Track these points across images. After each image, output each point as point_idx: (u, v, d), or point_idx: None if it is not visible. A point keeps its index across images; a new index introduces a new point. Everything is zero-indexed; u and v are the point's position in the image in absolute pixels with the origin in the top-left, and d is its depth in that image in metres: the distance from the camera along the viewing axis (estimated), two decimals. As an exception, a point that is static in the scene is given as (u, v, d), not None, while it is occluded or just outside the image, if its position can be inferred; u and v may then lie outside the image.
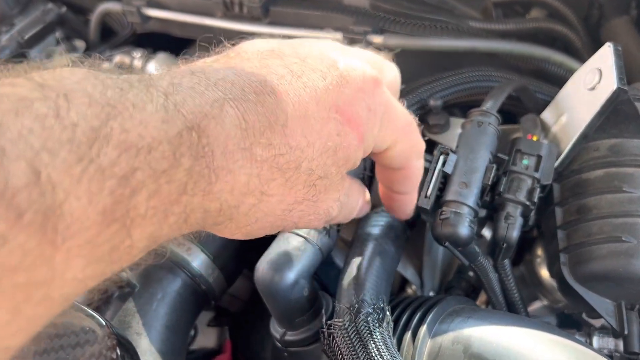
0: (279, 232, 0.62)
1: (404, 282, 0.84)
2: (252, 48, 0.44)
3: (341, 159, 0.42)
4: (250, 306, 0.85)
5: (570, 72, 0.80)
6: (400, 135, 0.48)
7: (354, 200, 0.51)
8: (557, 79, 0.84)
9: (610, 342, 0.70)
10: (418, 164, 0.53)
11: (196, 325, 0.81)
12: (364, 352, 0.49)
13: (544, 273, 0.76)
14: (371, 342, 0.50)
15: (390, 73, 0.51)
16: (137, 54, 0.94)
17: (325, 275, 0.78)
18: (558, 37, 0.94)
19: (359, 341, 0.51)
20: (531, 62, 0.85)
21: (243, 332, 0.81)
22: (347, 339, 0.51)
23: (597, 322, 0.79)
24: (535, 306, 0.79)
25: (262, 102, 0.37)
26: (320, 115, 0.40)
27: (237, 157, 0.35)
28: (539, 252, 0.77)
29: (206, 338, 0.84)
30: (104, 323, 0.48)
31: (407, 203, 0.58)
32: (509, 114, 0.81)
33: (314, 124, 0.40)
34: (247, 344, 0.78)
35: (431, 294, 0.79)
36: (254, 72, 0.39)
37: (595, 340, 0.71)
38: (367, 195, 0.58)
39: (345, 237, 0.77)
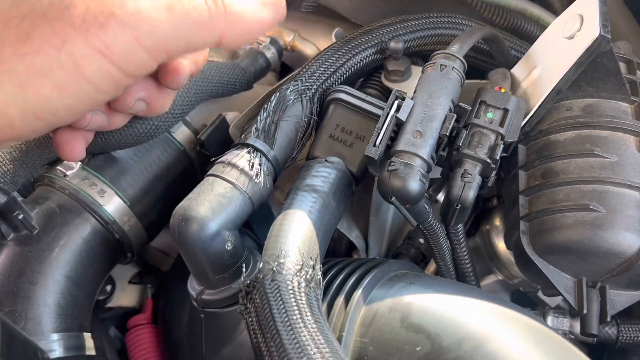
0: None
1: (351, 247, 0.77)
2: None
3: None
4: (181, 264, 0.77)
5: (548, 29, 0.73)
6: None
7: None
8: (533, 40, 0.76)
9: (565, 323, 0.65)
10: None
11: (114, 280, 0.73)
12: (284, 315, 0.42)
13: (501, 245, 0.69)
14: (293, 304, 0.42)
15: None
16: None
17: (263, 234, 0.70)
18: (536, -4, 0.87)
19: (280, 303, 0.43)
20: (506, 16, 0.77)
21: (166, 289, 0.73)
22: (265, 299, 0.43)
23: (552, 302, 0.73)
24: (488, 281, 0.73)
25: None
26: None
27: None
28: (497, 222, 0.71)
29: (126, 296, 0.76)
30: None
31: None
32: (477, 71, 0.74)
33: None
34: (168, 303, 0.69)
35: (377, 260, 0.72)
36: None
37: (550, 321, 0.65)
38: None
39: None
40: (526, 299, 0.76)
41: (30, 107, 0.37)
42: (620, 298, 0.57)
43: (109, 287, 0.72)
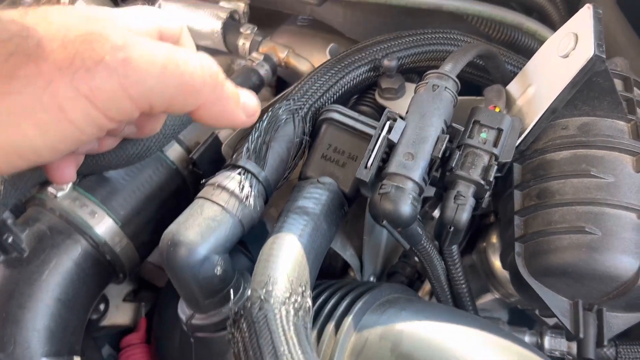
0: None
1: (347, 264, 0.76)
2: None
3: None
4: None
5: (545, 43, 0.72)
6: None
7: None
8: (530, 54, 0.76)
9: (563, 344, 0.64)
10: None
11: (107, 298, 0.72)
12: (270, 347, 0.41)
13: (498, 263, 0.68)
14: (280, 334, 0.41)
15: None
16: (66, -9, 0.82)
17: (257, 252, 0.69)
18: (534, 9, 0.86)
19: (267, 333, 0.42)
20: (502, 30, 0.76)
21: (159, 308, 0.72)
22: (252, 329, 0.42)
23: (551, 320, 0.72)
24: (485, 299, 0.72)
25: None
26: None
27: None
28: (494, 239, 0.70)
29: (120, 314, 0.75)
30: None
31: None
32: (472, 87, 0.73)
33: None
34: (160, 323, 0.69)
35: (372, 279, 0.71)
36: None
37: (547, 341, 0.64)
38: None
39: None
40: (524, 316, 0.75)
41: (12, 147, 0.37)
42: (617, 321, 0.56)
43: (102, 306, 0.71)
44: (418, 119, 0.53)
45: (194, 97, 0.42)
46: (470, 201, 0.52)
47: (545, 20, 0.85)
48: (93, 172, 0.60)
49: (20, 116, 0.36)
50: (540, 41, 0.75)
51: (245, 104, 0.47)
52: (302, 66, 0.74)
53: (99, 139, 0.51)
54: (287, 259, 0.47)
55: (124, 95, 0.38)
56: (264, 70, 0.71)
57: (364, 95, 0.69)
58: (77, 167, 0.53)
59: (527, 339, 0.65)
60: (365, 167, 0.51)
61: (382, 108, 0.67)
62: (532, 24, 0.72)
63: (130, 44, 0.39)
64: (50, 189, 0.59)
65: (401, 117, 0.53)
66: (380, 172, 0.52)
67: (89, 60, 0.37)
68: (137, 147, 0.58)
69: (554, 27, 0.83)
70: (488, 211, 0.73)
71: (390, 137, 0.52)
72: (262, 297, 0.44)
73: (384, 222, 0.50)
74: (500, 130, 0.54)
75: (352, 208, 0.61)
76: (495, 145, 0.54)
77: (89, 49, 0.37)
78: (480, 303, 0.70)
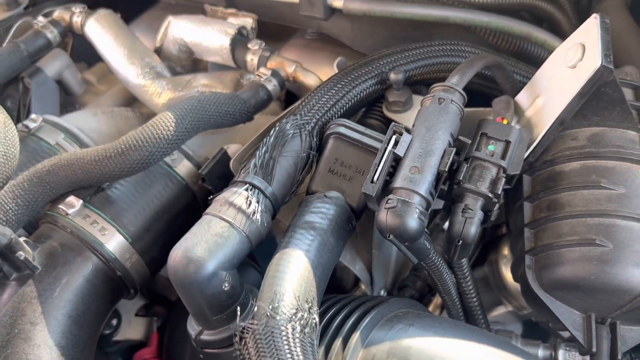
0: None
1: (357, 279, 0.75)
2: None
3: None
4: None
5: (554, 53, 0.71)
6: None
7: None
8: (540, 63, 0.75)
9: (577, 358, 0.63)
10: None
11: (120, 314, 0.73)
12: (276, 363, 0.41)
13: (509, 276, 0.67)
14: (286, 351, 0.41)
15: None
16: (77, 9, 0.84)
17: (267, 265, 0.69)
18: (544, 18, 0.85)
19: (272, 349, 0.42)
20: (511, 40, 0.76)
21: (170, 324, 0.72)
22: (258, 346, 0.42)
23: (566, 333, 0.71)
24: (498, 312, 0.71)
25: None
26: None
27: None
28: (505, 251, 0.69)
29: (133, 329, 0.75)
30: None
31: None
32: (482, 97, 0.72)
33: None
34: (170, 339, 0.69)
35: (382, 293, 0.71)
36: None
37: (561, 355, 0.63)
38: None
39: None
40: (538, 329, 0.74)
41: None
42: (632, 334, 0.56)
43: (114, 321, 0.72)
44: (424, 133, 0.52)
45: None
46: (479, 214, 0.52)
47: (556, 30, 0.84)
48: (99, 182, 0.60)
49: None
50: (550, 50, 0.74)
51: None
52: (310, 80, 0.74)
53: None
54: (293, 275, 0.47)
55: None
56: (272, 86, 0.72)
57: (371, 108, 0.69)
58: None
59: (540, 352, 0.64)
60: (372, 181, 0.51)
61: (390, 121, 0.67)
62: (540, 34, 0.72)
63: None
64: (61, 207, 0.60)
65: (407, 131, 0.53)
66: (387, 186, 0.52)
67: None
68: (140, 153, 0.58)
69: (564, 36, 0.83)
70: (500, 222, 0.73)
71: (397, 151, 0.52)
72: (269, 313, 0.44)
73: (390, 237, 0.50)
74: (508, 143, 0.54)
75: (362, 221, 0.61)
76: (503, 157, 0.54)
77: None
78: (493, 315, 0.70)
